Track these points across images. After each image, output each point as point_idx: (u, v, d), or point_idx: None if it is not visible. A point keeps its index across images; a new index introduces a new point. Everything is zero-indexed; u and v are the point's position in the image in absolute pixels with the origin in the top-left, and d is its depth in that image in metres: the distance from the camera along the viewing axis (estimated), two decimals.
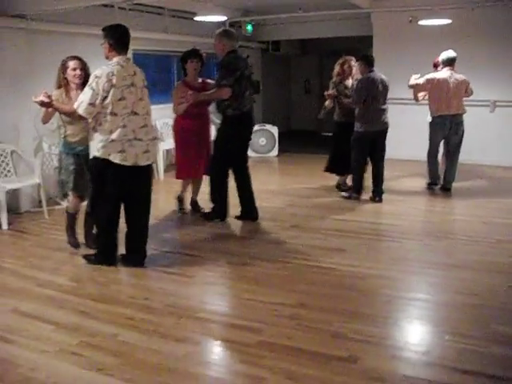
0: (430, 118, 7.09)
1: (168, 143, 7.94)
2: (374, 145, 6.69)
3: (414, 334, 3.52)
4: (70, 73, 4.72)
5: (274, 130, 10.50)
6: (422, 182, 7.59)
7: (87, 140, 4.64)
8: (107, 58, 4.38)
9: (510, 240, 5.32)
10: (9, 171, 6.35)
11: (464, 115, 6.93)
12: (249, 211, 5.98)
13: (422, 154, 7.31)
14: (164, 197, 7.17)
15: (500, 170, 8.57)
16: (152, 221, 4.99)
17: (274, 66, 12.99)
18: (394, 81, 7.43)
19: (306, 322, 3.64)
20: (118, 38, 4.32)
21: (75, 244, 5.12)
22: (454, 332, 3.46)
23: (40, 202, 6.38)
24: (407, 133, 8.61)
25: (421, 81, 6.98)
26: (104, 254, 4.67)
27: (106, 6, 7.27)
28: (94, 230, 4.89)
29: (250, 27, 10.53)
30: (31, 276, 4.56)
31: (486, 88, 8.21)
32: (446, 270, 4.60)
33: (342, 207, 6.62)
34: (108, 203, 4.50)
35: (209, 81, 6.11)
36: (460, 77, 6.89)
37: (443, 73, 6.89)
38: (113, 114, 4.24)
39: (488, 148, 8.61)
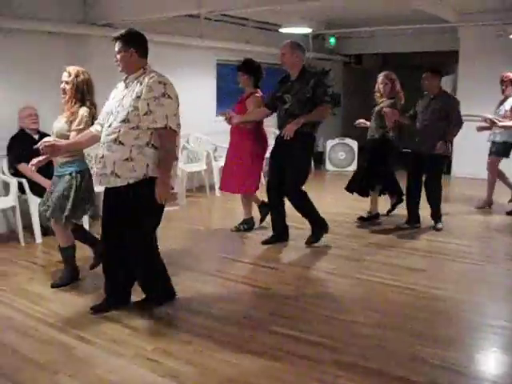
0: None
1: None
2: None
3: (499, 365, 3.30)
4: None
5: (354, 144, 10.37)
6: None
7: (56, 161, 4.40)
8: (128, 68, 3.75)
9: None
10: None
11: None
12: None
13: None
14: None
15: None
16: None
17: (356, 79, 12.84)
18: (479, 96, 7.16)
19: (384, 342, 3.51)
20: (144, 44, 3.79)
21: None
22: None
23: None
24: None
25: None
26: (163, 293, 4.19)
27: (191, 16, 7.41)
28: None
29: (333, 40, 10.49)
30: None
31: None
32: None
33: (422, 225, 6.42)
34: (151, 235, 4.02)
35: (257, 95, 5.87)
36: None
37: None
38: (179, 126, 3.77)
39: None
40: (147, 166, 3.65)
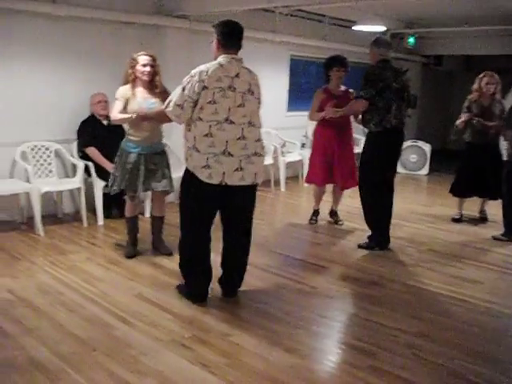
0: None
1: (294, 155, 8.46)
2: None
3: None
4: (138, 69, 4.61)
5: (427, 147, 10.07)
6: None
7: (150, 140, 4.69)
8: (213, 56, 3.84)
9: None
10: None
11: None
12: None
13: None
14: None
15: None
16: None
17: (435, 81, 12.44)
18: None
19: (424, 353, 3.38)
20: (226, 34, 3.79)
21: (129, 254, 4.90)
22: None
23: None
24: None
25: None
26: (189, 288, 4.07)
27: (266, 10, 7.42)
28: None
29: (412, 40, 10.17)
30: (161, 265, 4.77)
31: None
32: None
33: (487, 236, 6.12)
34: (193, 224, 3.92)
35: (351, 90, 5.95)
36: None
37: None
38: (199, 119, 3.65)
39: None
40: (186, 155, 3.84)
